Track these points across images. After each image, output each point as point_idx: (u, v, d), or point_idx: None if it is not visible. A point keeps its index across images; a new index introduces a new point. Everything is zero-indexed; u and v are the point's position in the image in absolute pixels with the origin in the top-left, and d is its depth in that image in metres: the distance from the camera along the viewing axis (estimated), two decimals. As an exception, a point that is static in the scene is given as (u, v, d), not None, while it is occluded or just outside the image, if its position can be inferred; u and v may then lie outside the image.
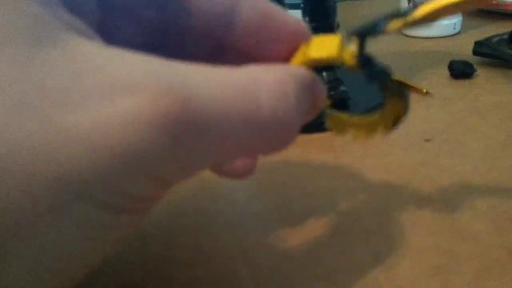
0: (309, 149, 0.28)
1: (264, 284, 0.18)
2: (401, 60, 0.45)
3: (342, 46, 0.15)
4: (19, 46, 0.10)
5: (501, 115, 0.30)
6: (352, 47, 0.15)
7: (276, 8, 0.16)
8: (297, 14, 0.35)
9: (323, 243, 0.20)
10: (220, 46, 0.17)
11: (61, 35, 0.11)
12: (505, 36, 0.39)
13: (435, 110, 0.32)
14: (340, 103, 0.32)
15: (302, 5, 0.33)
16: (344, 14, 0.66)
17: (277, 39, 0.16)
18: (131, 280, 0.19)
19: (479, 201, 0.22)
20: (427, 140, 0.28)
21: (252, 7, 0.16)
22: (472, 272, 0.18)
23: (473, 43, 0.40)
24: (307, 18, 0.32)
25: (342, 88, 0.32)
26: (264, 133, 0.13)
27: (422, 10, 0.14)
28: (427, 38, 0.51)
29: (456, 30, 0.52)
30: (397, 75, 0.16)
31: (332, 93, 0.31)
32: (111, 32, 0.16)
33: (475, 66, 0.37)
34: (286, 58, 0.17)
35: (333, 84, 0.32)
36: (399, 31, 0.15)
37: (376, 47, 0.16)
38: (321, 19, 0.32)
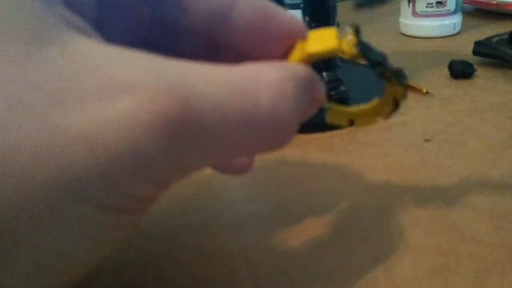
0: (309, 149, 0.28)
1: (264, 284, 0.18)
2: (401, 60, 0.45)
3: (339, 38, 0.16)
4: (18, 44, 0.10)
5: (501, 115, 0.30)
6: (349, 38, 0.16)
7: (274, 7, 0.16)
8: (297, 14, 0.35)
9: (323, 243, 0.20)
10: (216, 44, 0.17)
11: (61, 34, 0.11)
12: (505, 36, 0.39)
13: (435, 110, 0.32)
14: (340, 103, 0.32)
15: (302, 5, 0.33)
16: (344, 14, 0.66)
17: (274, 38, 0.16)
18: (131, 280, 0.19)
19: (479, 201, 0.22)
20: (427, 140, 0.28)
21: (249, 6, 0.16)
22: (472, 272, 0.18)
23: (473, 43, 0.40)
24: (307, 18, 0.32)
25: (342, 88, 0.32)
26: (263, 132, 0.13)
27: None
28: (427, 38, 0.51)
29: (456, 30, 0.52)
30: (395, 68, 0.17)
31: (332, 93, 0.31)
32: (107, 29, 0.15)
33: (475, 66, 0.37)
34: (282, 55, 0.17)
35: (333, 84, 0.32)
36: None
37: (376, 47, 0.17)
38: (321, 19, 0.32)
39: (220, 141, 0.12)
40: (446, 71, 0.38)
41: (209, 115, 0.12)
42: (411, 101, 0.33)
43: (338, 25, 0.35)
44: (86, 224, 0.11)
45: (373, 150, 0.27)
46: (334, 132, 0.30)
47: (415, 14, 0.51)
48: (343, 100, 0.32)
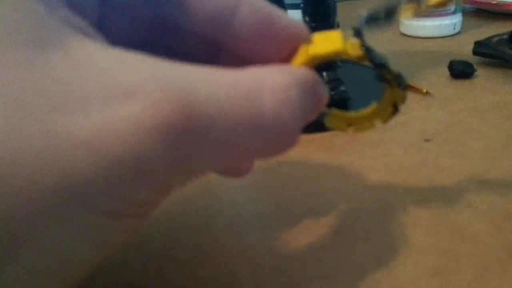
0: (309, 149, 0.28)
1: (264, 284, 0.18)
2: (401, 60, 0.45)
3: (344, 40, 0.16)
4: (20, 47, 0.10)
5: (501, 115, 0.30)
6: (353, 40, 0.16)
7: (277, 11, 0.16)
8: (297, 14, 0.35)
9: (323, 243, 0.20)
10: (218, 46, 0.17)
11: (63, 36, 0.11)
12: (505, 36, 0.39)
13: (435, 110, 0.32)
14: (340, 103, 0.32)
15: (302, 5, 0.33)
16: (344, 14, 0.66)
17: (277, 42, 0.16)
18: (131, 280, 0.19)
19: (479, 201, 0.22)
20: (427, 140, 0.28)
21: (252, 10, 0.16)
22: (472, 272, 0.18)
23: (473, 43, 0.40)
24: (307, 18, 0.32)
25: (342, 88, 0.32)
26: (267, 137, 0.13)
27: None
28: (427, 38, 0.51)
29: (456, 30, 0.52)
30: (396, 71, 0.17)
31: (332, 93, 0.31)
32: (108, 28, 0.15)
33: (475, 66, 0.37)
34: (285, 59, 0.17)
35: (333, 84, 0.32)
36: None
37: (376, 47, 0.17)
38: (321, 19, 0.32)
39: (223, 146, 0.12)
40: (446, 71, 0.38)
41: (212, 120, 0.12)
42: (411, 101, 0.33)
43: (338, 25, 0.35)
44: (87, 228, 0.11)
45: (373, 150, 0.27)
46: (334, 132, 0.30)
47: (415, 14, 0.51)
48: (343, 100, 0.32)
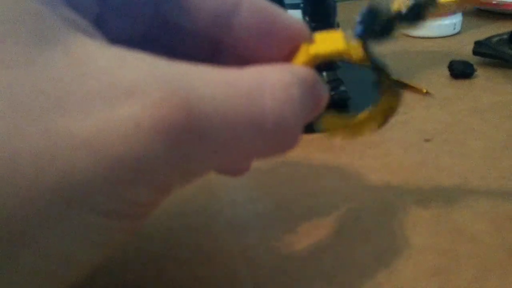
0: (309, 149, 0.28)
1: (264, 284, 0.18)
2: (401, 60, 0.45)
3: (346, 40, 0.16)
4: (19, 46, 0.10)
5: (501, 115, 0.30)
6: (355, 41, 0.16)
7: (278, 10, 0.16)
8: (297, 14, 0.35)
9: (323, 243, 0.20)
10: (218, 46, 0.17)
11: (63, 35, 0.11)
12: (505, 36, 0.39)
13: (435, 110, 0.32)
14: (340, 103, 0.32)
15: (302, 5, 0.33)
16: (344, 14, 0.66)
17: (278, 41, 0.16)
18: (131, 280, 0.19)
19: (479, 201, 0.22)
20: (427, 140, 0.28)
21: (253, 9, 0.16)
22: (472, 272, 0.18)
23: (473, 43, 0.40)
24: (307, 18, 0.32)
25: (342, 88, 0.32)
26: (267, 136, 0.13)
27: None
28: (427, 38, 0.51)
29: (456, 30, 0.52)
30: (395, 76, 0.17)
31: (332, 93, 0.31)
32: (107, 27, 0.15)
33: (475, 66, 0.37)
34: (285, 58, 0.17)
35: (333, 84, 0.32)
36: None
37: (376, 47, 0.17)
38: (321, 19, 0.32)
39: (223, 146, 0.12)
40: (446, 71, 0.38)
41: (213, 120, 0.12)
42: (411, 101, 0.33)
43: (338, 25, 0.35)
44: (87, 228, 0.11)
45: (373, 150, 0.27)
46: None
47: (415, 14, 0.51)
48: (343, 100, 0.32)
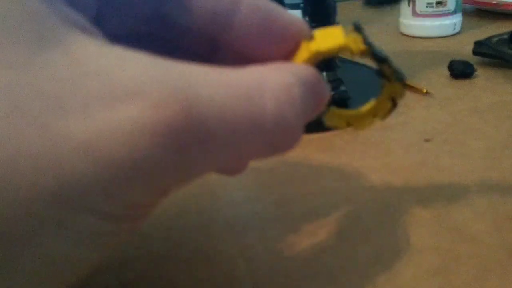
0: (309, 149, 0.28)
1: (263, 284, 0.18)
2: (401, 60, 0.45)
3: (345, 35, 0.16)
4: (18, 47, 0.10)
5: (501, 115, 0.30)
6: (355, 35, 0.16)
7: (277, 8, 0.16)
8: (297, 14, 0.35)
9: (323, 243, 0.20)
10: (218, 44, 0.17)
11: (63, 35, 0.11)
12: (505, 36, 0.39)
13: (435, 110, 0.32)
14: (340, 103, 0.32)
15: (302, 5, 0.33)
16: (344, 14, 0.66)
17: (277, 40, 0.16)
18: (131, 280, 0.19)
19: (479, 201, 0.22)
20: (427, 140, 0.28)
21: (253, 8, 0.16)
22: (472, 272, 0.18)
23: (473, 43, 0.40)
24: (307, 18, 0.32)
25: (342, 88, 0.32)
26: (268, 137, 0.13)
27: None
28: (427, 38, 0.51)
29: (456, 30, 0.52)
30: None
31: (332, 93, 0.31)
32: (106, 25, 0.15)
33: (475, 66, 0.37)
34: (285, 56, 0.16)
35: (333, 84, 0.32)
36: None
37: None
38: (321, 19, 0.32)
39: (224, 147, 0.12)
40: (446, 71, 0.38)
41: (213, 121, 0.11)
42: (411, 101, 0.33)
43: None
44: (86, 230, 0.11)
45: (373, 150, 0.27)
46: (334, 132, 0.30)
47: (415, 14, 0.51)
48: (343, 100, 0.32)
